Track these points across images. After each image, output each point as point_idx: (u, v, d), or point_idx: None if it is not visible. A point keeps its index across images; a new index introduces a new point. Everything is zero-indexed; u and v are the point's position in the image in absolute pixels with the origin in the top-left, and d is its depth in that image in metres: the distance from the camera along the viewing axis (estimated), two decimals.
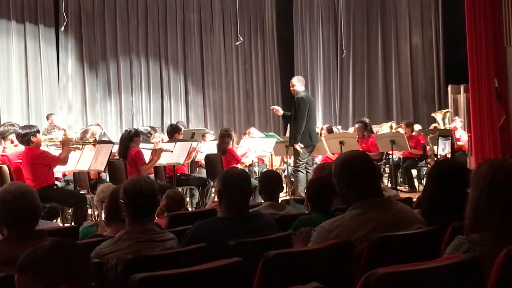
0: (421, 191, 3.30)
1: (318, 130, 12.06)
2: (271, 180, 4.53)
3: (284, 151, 9.73)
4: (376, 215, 2.87)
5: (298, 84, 8.82)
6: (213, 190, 8.34)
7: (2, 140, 7.25)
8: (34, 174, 6.61)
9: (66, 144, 7.03)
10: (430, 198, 3.12)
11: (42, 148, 7.03)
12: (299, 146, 8.63)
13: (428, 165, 10.60)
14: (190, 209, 8.48)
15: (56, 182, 7.40)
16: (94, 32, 15.11)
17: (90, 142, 7.76)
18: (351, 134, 11.05)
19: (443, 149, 10.17)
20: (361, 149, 9.44)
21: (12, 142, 7.06)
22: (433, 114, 13.53)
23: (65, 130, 8.91)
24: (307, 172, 8.61)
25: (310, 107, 8.68)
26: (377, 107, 16.38)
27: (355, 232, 2.82)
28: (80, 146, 7.63)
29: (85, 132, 9.20)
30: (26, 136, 6.69)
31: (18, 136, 6.76)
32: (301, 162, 8.67)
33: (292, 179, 9.25)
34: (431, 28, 15.59)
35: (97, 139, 8.57)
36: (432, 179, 3.18)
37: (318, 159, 10.49)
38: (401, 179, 11.21)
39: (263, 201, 4.49)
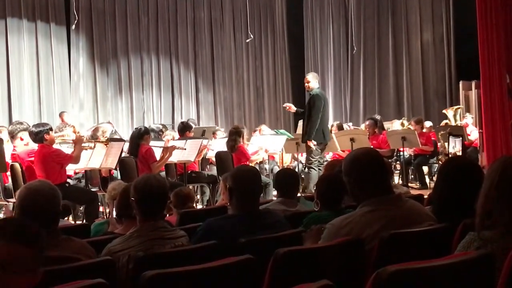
0: (432, 188, 3.28)
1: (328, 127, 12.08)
2: (287, 178, 4.56)
3: (294, 148, 9.72)
4: (387, 212, 2.87)
5: (313, 80, 8.77)
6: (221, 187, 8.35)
7: (12, 139, 7.29)
8: (46, 172, 6.64)
9: (78, 142, 7.07)
10: (440, 195, 3.10)
11: (55, 146, 7.07)
12: (312, 143, 8.59)
13: (439, 162, 10.56)
14: (200, 206, 8.51)
15: (68, 180, 7.44)
16: (105, 30, 15.16)
17: (102, 141, 7.80)
18: (362, 131, 11.03)
19: (453, 147, 10.13)
20: (372, 146, 9.43)
21: (22, 140, 7.10)
22: (444, 111, 13.47)
23: (74, 127, 8.95)
24: (319, 169, 8.58)
25: (325, 104, 8.66)
26: (388, 104, 16.33)
27: (365, 229, 2.81)
28: (92, 145, 7.66)
29: (95, 130, 9.24)
30: (40, 134, 6.72)
31: (31, 134, 6.79)
32: (313, 159, 8.63)
33: (303, 176, 9.24)
34: (442, 24, 15.51)
35: (108, 137, 8.60)
36: (443, 176, 3.16)
37: (329, 157, 10.48)
38: (412, 176, 11.18)
39: (274, 198, 4.50)
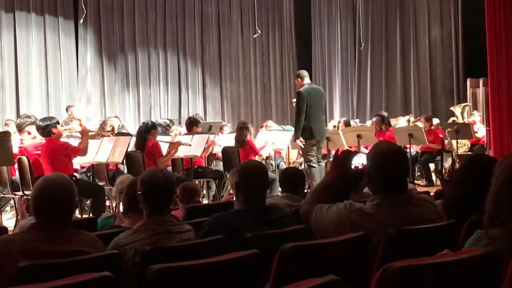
0: (454, 182, 3.22)
1: (335, 123, 12.06)
2: (290, 176, 4.58)
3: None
4: (396, 211, 2.86)
5: (299, 78, 8.63)
6: (228, 182, 8.36)
7: (19, 132, 7.31)
8: (53, 165, 6.66)
9: (85, 134, 7.09)
10: (463, 191, 3.04)
11: (61, 139, 7.09)
12: (300, 141, 8.44)
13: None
14: (206, 201, 8.52)
15: (75, 174, 7.46)
16: (113, 24, 15.17)
17: (108, 131, 7.84)
18: (368, 127, 11.01)
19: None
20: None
21: (29, 133, 7.12)
22: (451, 108, 13.43)
23: (80, 120, 8.99)
24: (319, 165, 8.52)
25: (310, 101, 8.37)
26: (395, 101, 16.28)
27: (372, 222, 2.82)
28: (100, 135, 7.70)
29: (103, 123, 9.26)
30: (47, 128, 6.74)
31: (39, 128, 6.81)
32: (311, 156, 8.54)
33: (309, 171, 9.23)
34: (450, 21, 15.45)
35: (115, 131, 8.62)
36: (469, 172, 3.11)
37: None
38: (418, 173, 11.16)
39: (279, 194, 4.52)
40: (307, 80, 8.63)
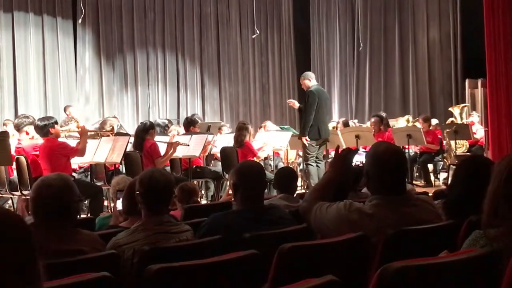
0: (451, 184, 3.22)
1: (334, 124, 12.06)
2: (286, 176, 4.59)
3: (299, 144, 9.72)
4: (394, 211, 2.86)
5: (306, 79, 8.89)
6: (227, 183, 8.36)
7: (17, 132, 7.31)
8: (52, 165, 6.65)
9: (83, 134, 7.08)
10: (461, 191, 3.03)
11: (60, 139, 7.08)
12: (305, 140, 8.62)
13: (445, 160, 10.54)
14: (205, 201, 8.51)
15: (73, 174, 7.46)
16: (112, 24, 15.17)
17: (107, 131, 7.84)
18: (367, 128, 11.02)
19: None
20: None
21: (27, 134, 7.12)
22: (450, 109, 13.43)
23: (77, 122, 8.99)
24: (317, 165, 8.62)
25: (320, 100, 8.63)
26: (393, 101, 16.29)
27: (371, 222, 2.82)
28: (98, 135, 7.71)
29: (103, 123, 9.28)
30: (45, 128, 6.74)
31: (37, 127, 6.81)
32: (310, 155, 8.66)
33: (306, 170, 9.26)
34: (449, 22, 15.46)
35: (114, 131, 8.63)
36: (465, 173, 3.10)
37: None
38: (417, 174, 11.16)
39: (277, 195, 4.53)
40: (314, 81, 8.90)
